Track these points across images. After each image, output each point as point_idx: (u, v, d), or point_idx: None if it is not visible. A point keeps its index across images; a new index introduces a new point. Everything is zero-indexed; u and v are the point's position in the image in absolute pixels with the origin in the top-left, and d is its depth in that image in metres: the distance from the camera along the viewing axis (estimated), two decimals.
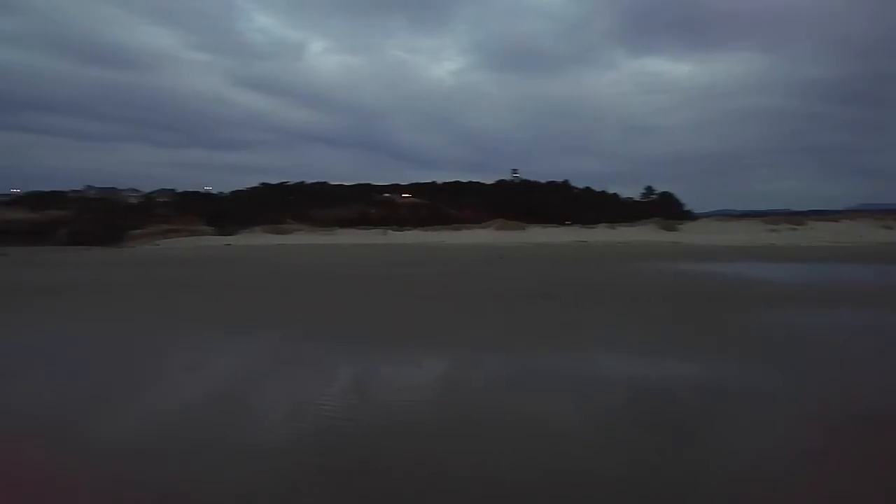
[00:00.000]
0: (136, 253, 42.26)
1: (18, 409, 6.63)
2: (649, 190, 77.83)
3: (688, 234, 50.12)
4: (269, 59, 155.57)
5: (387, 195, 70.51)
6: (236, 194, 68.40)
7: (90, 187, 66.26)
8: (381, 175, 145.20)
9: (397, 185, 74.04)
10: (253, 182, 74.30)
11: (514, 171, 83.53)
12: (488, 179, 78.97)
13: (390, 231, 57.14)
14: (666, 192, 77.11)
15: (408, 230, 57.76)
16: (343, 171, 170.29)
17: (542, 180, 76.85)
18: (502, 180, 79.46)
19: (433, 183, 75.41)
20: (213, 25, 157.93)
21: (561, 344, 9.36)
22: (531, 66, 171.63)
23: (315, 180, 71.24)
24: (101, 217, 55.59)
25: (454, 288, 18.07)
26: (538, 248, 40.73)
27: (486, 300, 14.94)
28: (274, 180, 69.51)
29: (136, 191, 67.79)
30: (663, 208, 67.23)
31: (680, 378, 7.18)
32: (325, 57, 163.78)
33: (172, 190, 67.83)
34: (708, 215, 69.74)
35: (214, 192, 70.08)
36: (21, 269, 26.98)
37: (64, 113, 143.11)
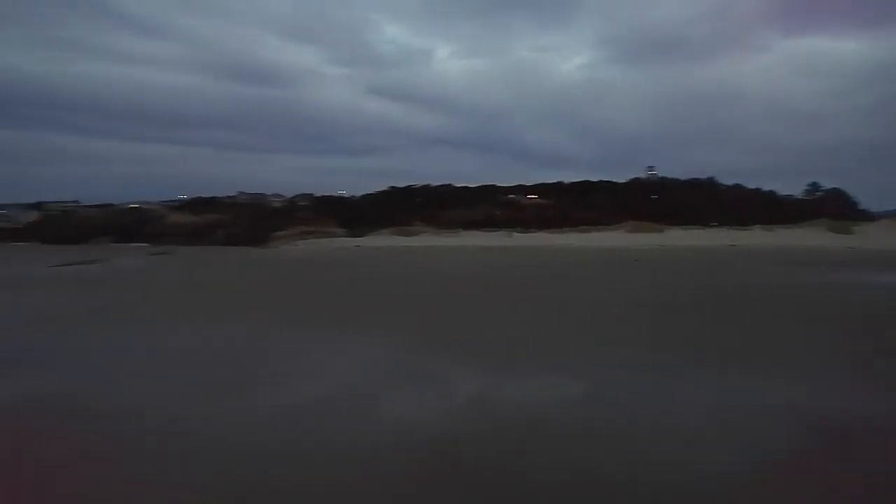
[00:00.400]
0: (277, 253, 45.22)
1: (124, 402, 6.73)
2: (814, 186, 67.54)
3: (866, 238, 42.65)
4: (398, 68, 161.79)
5: (511, 196, 69.23)
6: (367, 197, 71.12)
7: (242, 193, 72.97)
8: (506, 176, 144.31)
9: (522, 185, 72.32)
10: (382, 185, 77.06)
11: (650, 168, 77.87)
12: (620, 178, 74.45)
13: (515, 233, 55.84)
14: (835, 188, 66.46)
15: (533, 232, 56.01)
16: (468, 172, 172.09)
17: (682, 177, 70.69)
18: (636, 178, 74.33)
19: (560, 183, 72.60)
20: (348, 40, 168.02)
21: (713, 366, 7.46)
22: (666, 55, 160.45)
23: (441, 182, 72.07)
24: (250, 220, 60.83)
25: (589, 292, 16.32)
26: (678, 251, 36.93)
27: (626, 308, 13.10)
28: (401, 183, 71.46)
29: (280, 196, 73.45)
30: (833, 207, 57.85)
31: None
32: (450, 62, 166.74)
33: (311, 194, 72.22)
34: (889, 215, 59.21)
35: (347, 195, 73.57)
36: (185, 268, 30.37)
37: (221, 128, 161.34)
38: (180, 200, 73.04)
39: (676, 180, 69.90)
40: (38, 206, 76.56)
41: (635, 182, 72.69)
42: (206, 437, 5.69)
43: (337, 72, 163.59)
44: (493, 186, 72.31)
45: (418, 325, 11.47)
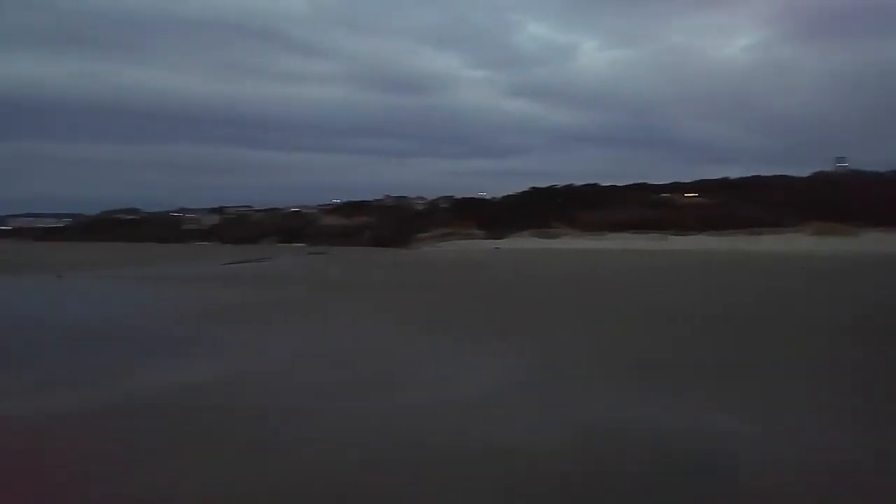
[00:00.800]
0: (419, 254, 46.04)
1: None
2: None
3: None
4: (541, 66, 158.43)
5: (666, 195, 63.20)
6: (507, 199, 69.85)
7: (388, 196, 76.50)
8: (660, 173, 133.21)
9: (678, 183, 65.71)
10: (523, 186, 75.08)
11: (840, 159, 66.49)
12: (799, 172, 64.46)
13: (671, 236, 50.62)
14: None
15: (692, 234, 50.27)
16: (615, 170, 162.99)
17: (882, 169, 59.00)
18: (820, 172, 63.76)
19: (725, 179, 64.67)
20: (491, 42, 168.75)
21: None
22: (854, 28, 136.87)
23: (585, 182, 68.35)
24: (394, 222, 63.11)
25: (766, 308, 13.12)
26: (880, 259, 30.08)
27: (818, 333, 9.98)
28: (542, 184, 69.01)
29: (423, 198, 75.41)
30: None
31: None
32: (596, 54, 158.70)
33: (452, 196, 73.08)
34: None
35: (488, 197, 73.06)
36: (336, 266, 32.38)
37: (370, 135, 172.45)
38: (334, 204, 78.26)
39: (874, 173, 58.54)
40: (219, 210, 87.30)
41: (820, 176, 62.36)
42: (342, 432, 5.81)
43: (478, 75, 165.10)
44: (645, 185, 66.87)
45: (553, 336, 10.60)
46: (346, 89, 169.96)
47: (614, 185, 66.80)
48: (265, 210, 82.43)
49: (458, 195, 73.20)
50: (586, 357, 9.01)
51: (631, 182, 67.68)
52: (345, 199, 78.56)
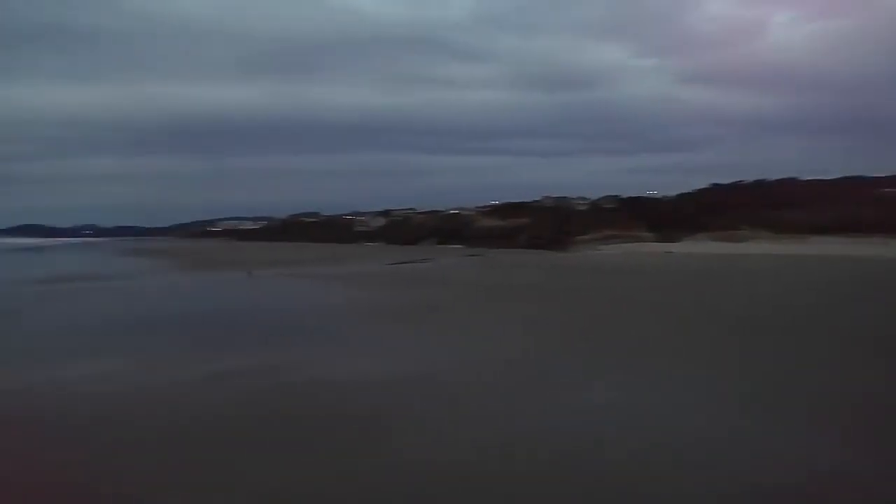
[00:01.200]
0: (578, 257, 43.00)
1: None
2: None
3: None
4: (720, 48, 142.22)
5: (890, 190, 51.89)
6: (681, 197, 62.98)
7: (546, 197, 73.79)
8: (881, 165, 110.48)
9: None
10: (701, 182, 67.40)
11: None
12: None
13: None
14: None
15: None
16: (819, 163, 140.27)
17: None
18: None
19: None
20: (661, 28, 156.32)
21: None
22: None
23: (779, 176, 59.06)
24: (552, 223, 60.23)
25: None
26: None
27: None
28: (725, 179, 61.55)
29: (585, 198, 71.36)
30: None
31: None
32: (792, 29, 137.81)
33: (617, 196, 68.15)
34: None
35: (659, 195, 66.83)
36: (492, 269, 32.48)
37: (529, 136, 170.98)
38: (492, 205, 77.83)
39: None
40: (385, 213, 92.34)
41: None
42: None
43: (646, 64, 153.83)
44: (860, 178, 55.75)
45: (763, 367, 8.60)
46: (508, 92, 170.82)
47: (819, 180, 56.69)
48: (426, 212, 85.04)
49: (625, 194, 68.21)
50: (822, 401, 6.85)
51: (840, 175, 56.95)
52: (503, 201, 77.76)
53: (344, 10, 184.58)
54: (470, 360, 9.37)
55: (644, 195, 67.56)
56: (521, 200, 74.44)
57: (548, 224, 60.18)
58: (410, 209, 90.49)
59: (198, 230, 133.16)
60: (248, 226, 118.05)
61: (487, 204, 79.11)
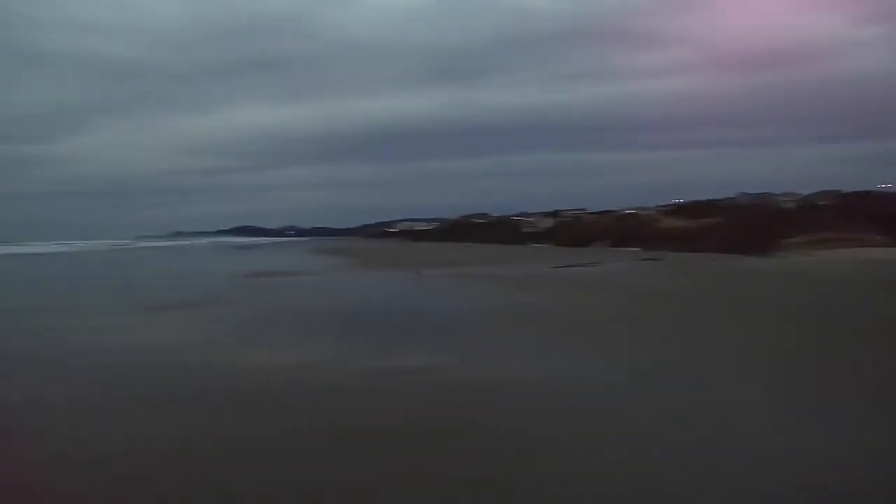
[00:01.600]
0: (785, 264, 36.89)
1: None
2: None
3: None
4: None
5: None
6: None
7: (742, 194, 65.56)
8: None
9: None
10: None
11: None
12: None
13: None
14: None
15: None
16: None
17: None
18: None
19: None
20: None
21: None
22: None
23: None
24: (749, 224, 52.57)
25: None
26: None
27: None
28: None
29: (793, 194, 61.75)
30: None
31: None
32: None
33: (837, 191, 57.87)
34: None
35: (894, 189, 55.02)
36: (668, 275, 29.42)
37: (718, 125, 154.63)
38: (674, 204, 71.36)
39: None
40: (554, 213, 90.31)
41: None
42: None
43: (871, 33, 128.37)
44: None
45: None
46: (691, 77, 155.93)
47: None
48: (598, 213, 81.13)
49: (847, 189, 57.53)
50: None
51: None
52: (688, 199, 70.72)
53: (518, 10, 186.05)
54: (585, 378, 9.30)
55: (872, 190, 56.19)
56: (709, 198, 66.97)
57: (744, 224, 52.71)
58: (581, 209, 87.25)
59: (378, 230, 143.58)
60: (422, 227, 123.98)
61: (670, 202, 72.75)
